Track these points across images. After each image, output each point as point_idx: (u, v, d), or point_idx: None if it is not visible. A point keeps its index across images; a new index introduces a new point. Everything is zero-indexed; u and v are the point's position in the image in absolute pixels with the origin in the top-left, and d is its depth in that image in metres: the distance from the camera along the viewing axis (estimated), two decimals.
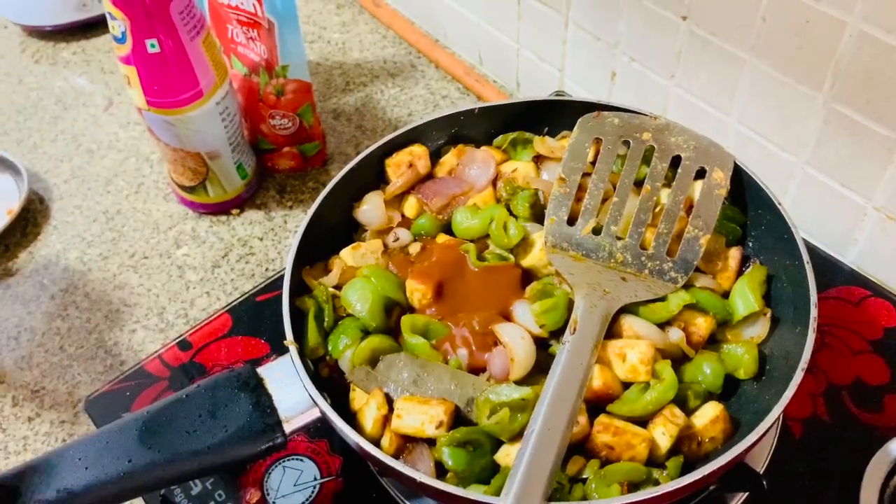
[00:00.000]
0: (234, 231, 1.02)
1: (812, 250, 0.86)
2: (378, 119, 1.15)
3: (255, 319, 0.87)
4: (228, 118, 0.95)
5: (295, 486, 0.72)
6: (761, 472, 0.67)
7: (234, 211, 1.04)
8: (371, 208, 0.77)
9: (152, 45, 0.84)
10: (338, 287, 0.70)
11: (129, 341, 0.91)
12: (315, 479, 0.73)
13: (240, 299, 0.89)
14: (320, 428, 0.72)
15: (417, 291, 0.68)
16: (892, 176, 0.78)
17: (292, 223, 1.03)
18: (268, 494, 0.72)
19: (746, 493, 0.68)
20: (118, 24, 0.83)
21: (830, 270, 0.86)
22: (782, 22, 0.77)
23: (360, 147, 1.10)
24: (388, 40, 1.28)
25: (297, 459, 0.74)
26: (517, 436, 0.58)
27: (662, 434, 0.60)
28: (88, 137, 1.16)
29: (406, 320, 0.66)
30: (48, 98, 1.23)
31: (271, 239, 1.01)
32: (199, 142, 0.94)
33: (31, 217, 1.06)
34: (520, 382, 0.62)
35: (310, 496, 0.72)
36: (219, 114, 0.93)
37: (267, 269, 0.97)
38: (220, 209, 1.03)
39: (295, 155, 1.07)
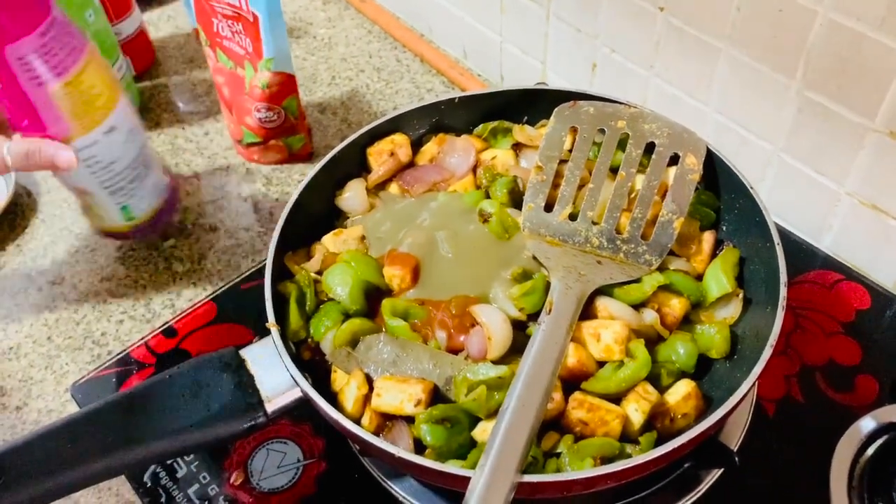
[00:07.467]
0: (220, 223, 1.03)
1: (788, 236, 0.88)
2: (364, 113, 1.16)
3: (239, 307, 0.88)
4: (98, 166, 0.84)
5: (278, 467, 0.73)
6: (735, 450, 0.68)
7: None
8: (353, 195, 0.78)
9: None
10: (319, 272, 0.71)
11: (117, 331, 0.92)
12: (298, 461, 0.74)
13: (224, 287, 0.90)
14: (303, 411, 0.73)
15: (395, 277, 0.69)
16: (863, 161, 0.79)
17: (279, 215, 1.03)
18: (252, 476, 0.73)
19: (721, 471, 0.69)
20: None
21: (806, 256, 0.87)
22: (756, 11, 0.79)
23: None
24: (374, 35, 1.29)
25: (280, 442, 0.75)
26: (494, 413, 0.59)
27: (635, 410, 0.61)
28: None
29: (387, 304, 0.67)
30: None
31: (257, 230, 1.02)
32: (60, 179, 0.86)
33: (20, 210, 1.07)
34: (497, 362, 0.63)
35: (293, 478, 0.73)
36: (83, 160, 0.82)
37: (253, 261, 0.98)
38: (109, 236, 0.95)
39: (281, 148, 1.08)
